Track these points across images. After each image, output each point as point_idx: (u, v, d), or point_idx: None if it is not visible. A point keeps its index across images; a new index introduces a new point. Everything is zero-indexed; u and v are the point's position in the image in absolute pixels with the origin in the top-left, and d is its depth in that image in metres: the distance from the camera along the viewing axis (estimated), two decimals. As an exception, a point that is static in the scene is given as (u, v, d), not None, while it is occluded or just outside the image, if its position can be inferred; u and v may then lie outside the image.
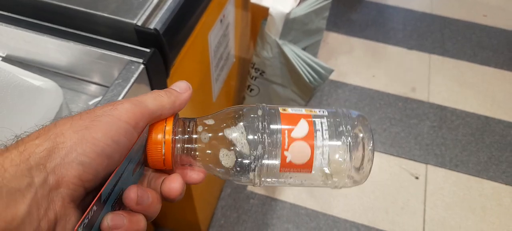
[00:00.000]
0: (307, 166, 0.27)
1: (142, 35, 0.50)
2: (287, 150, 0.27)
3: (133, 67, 0.48)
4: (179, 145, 0.28)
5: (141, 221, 0.25)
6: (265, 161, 0.28)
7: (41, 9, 0.52)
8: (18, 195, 0.20)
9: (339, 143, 0.28)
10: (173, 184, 0.27)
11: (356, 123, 0.29)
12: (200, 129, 0.29)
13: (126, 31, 0.51)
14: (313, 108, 0.30)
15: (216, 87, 0.86)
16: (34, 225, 0.21)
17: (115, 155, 0.24)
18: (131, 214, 0.25)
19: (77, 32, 0.51)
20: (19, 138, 0.23)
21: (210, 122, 0.29)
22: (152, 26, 0.50)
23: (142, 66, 0.49)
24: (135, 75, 0.48)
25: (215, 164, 0.28)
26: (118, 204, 0.26)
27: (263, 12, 0.91)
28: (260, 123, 0.28)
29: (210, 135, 0.28)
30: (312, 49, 1.09)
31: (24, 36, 0.51)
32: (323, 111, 0.29)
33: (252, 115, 0.29)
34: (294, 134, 0.27)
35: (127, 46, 0.51)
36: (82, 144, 0.23)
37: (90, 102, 0.53)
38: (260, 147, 0.27)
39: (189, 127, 0.29)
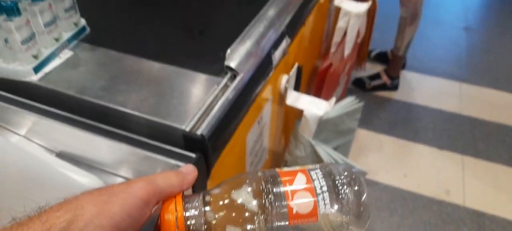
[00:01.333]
0: (313, 215, 0.29)
1: (189, 141, 0.53)
2: (292, 200, 0.29)
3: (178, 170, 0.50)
4: (189, 222, 0.29)
5: None
6: (275, 216, 0.29)
7: (97, 111, 0.57)
8: None
9: (336, 190, 0.30)
10: None
11: (350, 174, 0.31)
12: (208, 198, 0.30)
13: (174, 136, 0.53)
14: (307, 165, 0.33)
15: (249, 184, 0.86)
16: None
17: (129, 229, 0.26)
18: None
19: (128, 135, 0.54)
20: (43, 209, 0.26)
21: (216, 190, 0.31)
22: (198, 132, 0.53)
23: (187, 171, 0.50)
24: (180, 180, 0.49)
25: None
26: None
27: (297, 112, 0.94)
28: (263, 182, 0.31)
29: (219, 201, 0.30)
30: (344, 149, 1.10)
31: (80, 136, 0.55)
32: (315, 165, 0.32)
33: (254, 177, 0.31)
34: (295, 186, 0.30)
35: (174, 151, 0.53)
36: (100, 216, 0.25)
37: (132, 202, 0.54)
38: (267, 202, 0.29)
39: (197, 201, 0.30)
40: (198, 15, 0.82)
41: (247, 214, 0.29)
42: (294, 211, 0.29)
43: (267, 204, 0.29)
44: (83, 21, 0.69)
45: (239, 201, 0.29)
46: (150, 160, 0.52)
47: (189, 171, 0.32)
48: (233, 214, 0.29)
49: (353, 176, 0.31)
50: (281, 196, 0.30)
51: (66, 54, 0.65)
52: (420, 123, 1.84)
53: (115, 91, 0.58)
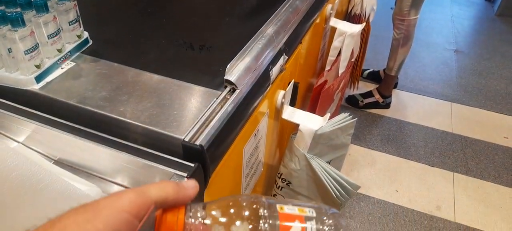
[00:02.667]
0: None
1: (187, 150, 0.54)
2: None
3: (177, 181, 0.51)
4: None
5: None
6: None
7: (97, 120, 0.58)
8: None
9: None
10: None
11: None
12: (208, 221, 0.31)
13: (173, 145, 0.55)
14: (303, 206, 0.34)
15: (244, 197, 0.87)
16: None
17: None
18: None
19: (128, 144, 0.56)
20: None
21: (218, 215, 0.31)
22: (197, 142, 0.54)
23: (185, 180, 0.51)
24: (179, 189, 0.50)
25: None
26: None
27: (293, 126, 0.96)
28: (262, 223, 0.32)
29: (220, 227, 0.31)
30: (337, 162, 1.12)
31: (80, 144, 0.56)
32: (312, 212, 0.33)
33: (255, 214, 0.32)
34: None
35: (172, 160, 0.54)
36: None
37: (130, 210, 0.55)
38: None
39: (198, 219, 0.31)
40: (199, 31, 0.84)
41: None
42: None
43: None
44: (86, 34, 0.70)
45: None
46: (149, 169, 0.53)
47: (190, 185, 0.32)
48: None
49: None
50: None
51: (68, 65, 0.66)
52: (411, 140, 1.87)
53: (116, 102, 0.60)
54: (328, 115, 0.92)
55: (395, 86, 2.19)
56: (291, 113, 0.91)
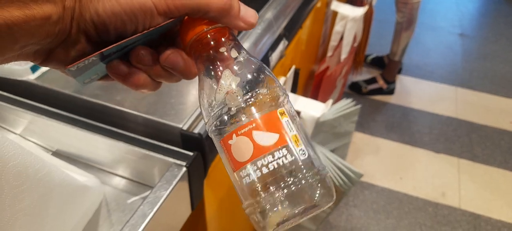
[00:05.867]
0: (236, 165, 0.26)
1: (186, 139, 0.53)
2: (236, 135, 0.25)
3: (176, 170, 0.50)
4: (208, 37, 0.27)
5: (141, 78, 0.28)
6: (223, 122, 0.26)
7: (94, 110, 0.57)
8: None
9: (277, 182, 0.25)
10: (167, 51, 0.28)
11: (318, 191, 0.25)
12: (229, 50, 0.27)
13: (172, 134, 0.54)
14: (308, 137, 0.28)
15: (246, 186, 0.86)
16: (66, 21, 0.24)
17: (129, 25, 0.26)
18: (133, 68, 0.28)
19: (126, 133, 0.55)
20: None
21: (243, 57, 0.28)
22: (196, 131, 0.53)
23: (184, 168, 0.50)
24: (178, 178, 0.49)
25: (209, 78, 0.28)
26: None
27: (294, 114, 0.95)
28: (251, 93, 0.26)
29: (227, 62, 0.27)
30: (341, 151, 1.10)
31: (77, 134, 0.55)
32: (303, 150, 0.26)
33: (263, 87, 0.27)
34: (256, 135, 0.25)
35: (171, 149, 0.53)
36: (105, 1, 0.25)
37: (129, 201, 0.54)
38: (229, 102, 0.26)
39: (224, 41, 0.28)
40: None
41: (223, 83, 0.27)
42: (229, 142, 0.26)
43: (229, 103, 0.26)
44: (81, 21, 0.69)
45: (222, 77, 0.27)
46: (148, 158, 0.52)
47: (246, 16, 0.28)
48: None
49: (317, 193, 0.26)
50: (243, 119, 0.26)
51: (64, 53, 0.65)
52: (416, 126, 1.85)
53: (112, 91, 0.58)
54: (330, 101, 0.91)
55: (399, 72, 2.16)
56: (292, 101, 0.90)
